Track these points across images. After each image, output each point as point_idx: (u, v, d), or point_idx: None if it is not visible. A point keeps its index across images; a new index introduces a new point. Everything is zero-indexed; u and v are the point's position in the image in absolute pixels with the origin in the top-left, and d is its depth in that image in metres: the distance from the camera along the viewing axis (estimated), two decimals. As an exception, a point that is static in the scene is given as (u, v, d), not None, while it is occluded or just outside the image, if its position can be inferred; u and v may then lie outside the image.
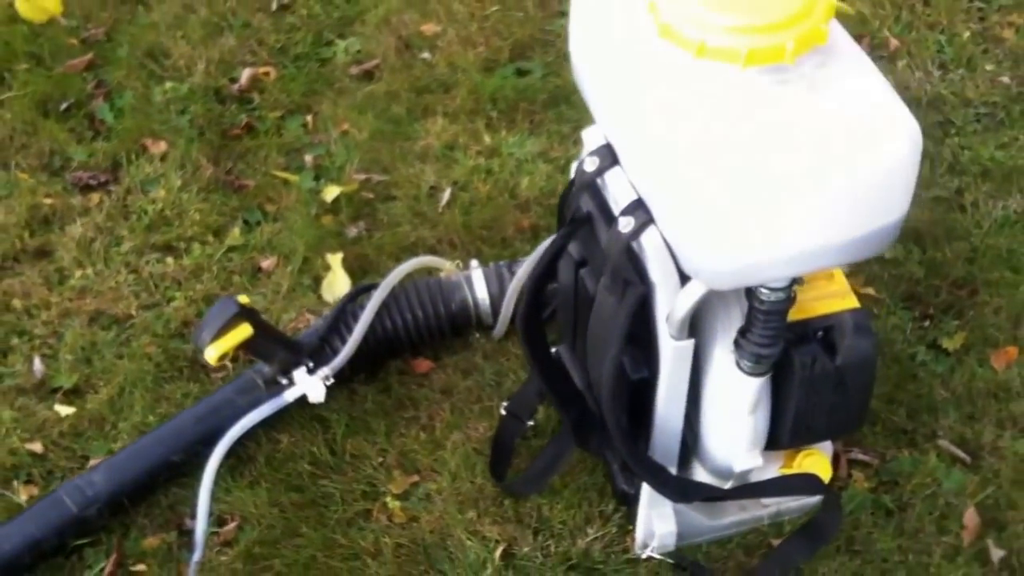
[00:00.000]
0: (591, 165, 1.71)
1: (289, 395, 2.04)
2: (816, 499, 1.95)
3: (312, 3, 2.94)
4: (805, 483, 1.86)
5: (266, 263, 2.36)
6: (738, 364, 1.71)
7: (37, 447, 2.08)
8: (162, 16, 2.90)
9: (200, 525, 1.93)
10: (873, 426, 2.08)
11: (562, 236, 1.79)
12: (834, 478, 1.95)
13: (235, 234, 2.42)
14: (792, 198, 1.47)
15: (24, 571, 1.92)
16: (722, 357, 1.72)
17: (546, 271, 1.82)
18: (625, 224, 1.63)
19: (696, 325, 1.70)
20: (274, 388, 2.06)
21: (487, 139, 2.58)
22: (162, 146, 2.59)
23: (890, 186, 1.52)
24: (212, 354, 1.91)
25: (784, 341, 1.70)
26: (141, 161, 2.56)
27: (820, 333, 1.75)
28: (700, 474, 1.89)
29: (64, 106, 2.69)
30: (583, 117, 1.79)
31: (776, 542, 1.92)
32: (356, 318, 2.11)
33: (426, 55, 2.80)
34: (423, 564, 1.92)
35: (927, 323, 2.25)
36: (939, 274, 2.32)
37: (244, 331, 1.92)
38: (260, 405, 2.02)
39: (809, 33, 1.50)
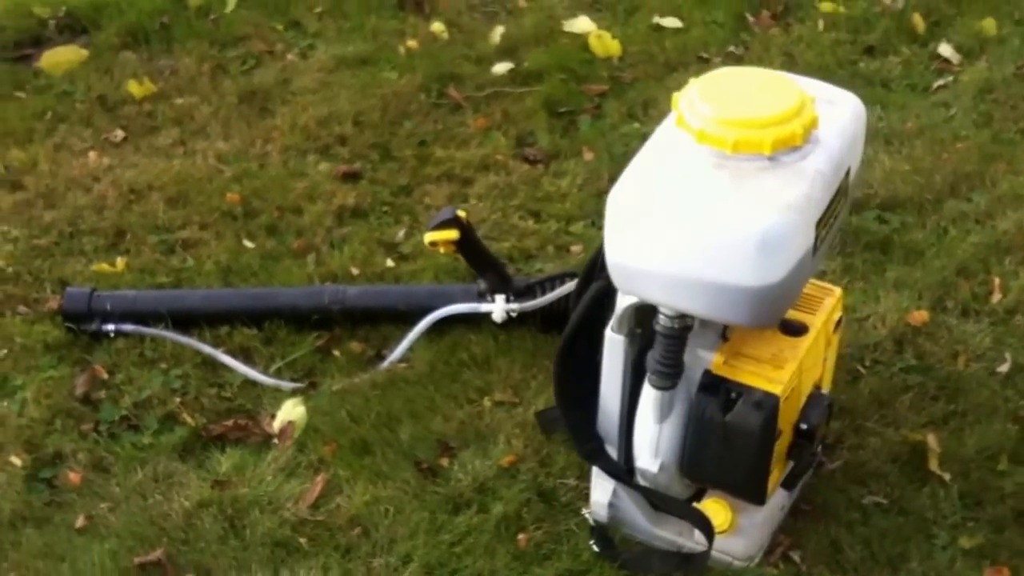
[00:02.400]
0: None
1: (484, 307, 2.77)
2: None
3: None
4: (698, 518, 2.23)
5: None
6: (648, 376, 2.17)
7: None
8: None
9: (403, 346, 2.74)
10: None
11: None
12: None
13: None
14: (658, 233, 1.96)
15: (274, 316, 2.87)
16: (649, 368, 2.19)
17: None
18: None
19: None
20: (481, 300, 2.80)
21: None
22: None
23: (735, 271, 1.93)
24: (426, 238, 2.70)
25: (704, 385, 2.13)
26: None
27: (732, 394, 2.13)
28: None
29: None
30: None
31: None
32: (562, 285, 2.76)
33: None
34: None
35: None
36: None
37: (452, 234, 2.68)
38: (465, 303, 2.78)
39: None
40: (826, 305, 2.28)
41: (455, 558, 2.32)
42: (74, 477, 2.52)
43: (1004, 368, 2.64)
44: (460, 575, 2.29)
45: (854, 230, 3.01)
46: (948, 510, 2.37)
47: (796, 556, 2.31)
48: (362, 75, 3.75)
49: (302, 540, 2.36)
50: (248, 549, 2.35)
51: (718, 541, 2.28)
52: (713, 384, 2.14)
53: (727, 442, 2.13)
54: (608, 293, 2.18)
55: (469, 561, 2.31)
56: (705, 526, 2.22)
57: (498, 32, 3.91)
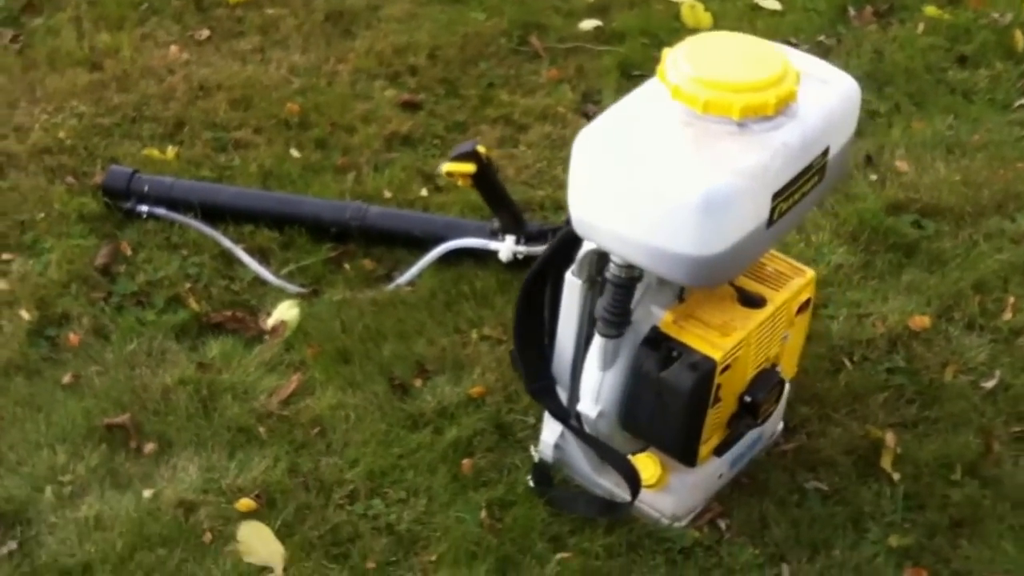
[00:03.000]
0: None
1: (492, 245, 2.84)
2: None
3: None
4: (626, 469, 2.26)
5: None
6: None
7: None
8: None
9: (413, 271, 2.83)
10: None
11: None
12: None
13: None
14: (610, 182, 2.00)
15: (296, 223, 2.98)
16: (602, 315, 2.23)
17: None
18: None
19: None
20: (492, 238, 2.86)
21: None
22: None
23: (676, 230, 1.95)
24: (443, 168, 2.77)
25: (647, 339, 2.17)
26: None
27: (674, 352, 2.16)
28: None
29: None
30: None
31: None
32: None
33: None
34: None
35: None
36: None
37: (468, 167, 2.74)
38: (476, 238, 2.85)
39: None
40: (793, 284, 2.28)
41: (398, 470, 2.40)
42: (74, 338, 2.67)
43: (990, 384, 2.61)
44: (398, 485, 2.37)
45: (884, 229, 2.98)
46: (888, 508, 2.36)
47: (723, 524, 2.33)
48: (450, 11, 3.82)
49: (262, 430, 2.47)
50: (211, 430, 2.47)
51: (649, 496, 2.32)
52: (656, 340, 2.17)
53: (660, 398, 2.16)
54: (577, 236, 2.22)
55: (410, 475, 2.39)
56: (632, 477, 2.25)
57: (595, -11, 3.95)
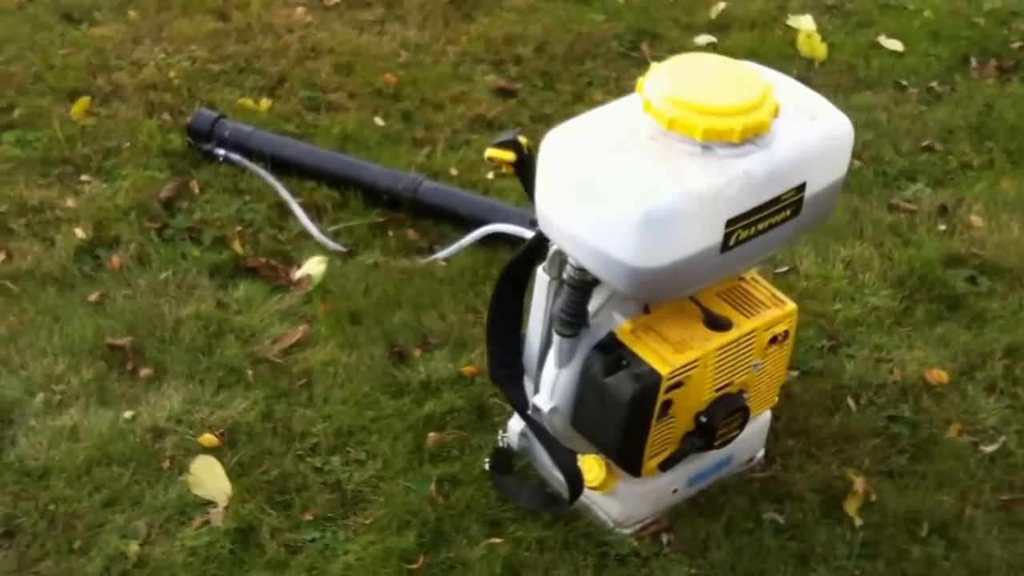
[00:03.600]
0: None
1: (527, 233, 2.88)
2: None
3: None
4: (569, 466, 2.28)
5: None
6: (555, 321, 2.24)
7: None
8: None
9: (452, 248, 2.92)
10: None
11: None
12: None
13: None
14: (566, 184, 2.06)
15: (354, 186, 3.09)
16: (563, 315, 2.26)
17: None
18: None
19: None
20: (531, 227, 2.91)
21: None
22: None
23: (618, 239, 1.98)
24: (486, 153, 2.83)
25: (600, 344, 2.19)
26: None
27: (623, 361, 2.18)
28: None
29: None
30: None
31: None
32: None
33: None
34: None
35: None
36: None
37: (508, 155, 2.78)
38: (513, 225, 2.91)
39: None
40: (767, 315, 2.25)
41: (365, 432, 2.47)
42: (116, 261, 2.85)
43: (991, 448, 2.52)
44: (360, 447, 2.45)
45: (933, 279, 2.92)
46: (842, 552, 2.31)
47: (665, 538, 2.33)
48: (571, 9, 3.88)
49: (251, 373, 2.58)
50: (206, 365, 2.59)
51: (600, 499, 2.34)
52: (609, 345, 2.18)
53: (603, 404, 2.17)
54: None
55: (375, 439, 2.46)
56: (573, 476, 2.27)
57: (719, 7, 3.94)
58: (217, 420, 2.47)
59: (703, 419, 2.24)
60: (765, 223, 2.08)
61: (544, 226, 2.14)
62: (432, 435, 2.48)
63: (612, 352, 2.18)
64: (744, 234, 2.05)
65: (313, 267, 2.84)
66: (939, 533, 2.37)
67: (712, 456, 2.37)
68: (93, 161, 3.15)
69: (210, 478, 2.35)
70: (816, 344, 2.77)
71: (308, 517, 2.32)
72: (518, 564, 2.26)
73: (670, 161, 2.00)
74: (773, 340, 2.29)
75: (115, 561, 2.22)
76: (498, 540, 2.29)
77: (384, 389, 2.56)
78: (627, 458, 2.24)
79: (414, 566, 2.24)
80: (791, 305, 2.30)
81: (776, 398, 2.42)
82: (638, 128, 2.05)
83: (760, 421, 2.46)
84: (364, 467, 2.41)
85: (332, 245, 2.94)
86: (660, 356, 2.15)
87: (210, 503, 2.33)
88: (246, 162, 3.12)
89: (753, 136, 2.03)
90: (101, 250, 2.89)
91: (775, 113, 2.06)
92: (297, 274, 2.84)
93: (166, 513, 2.31)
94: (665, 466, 2.28)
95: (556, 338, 2.23)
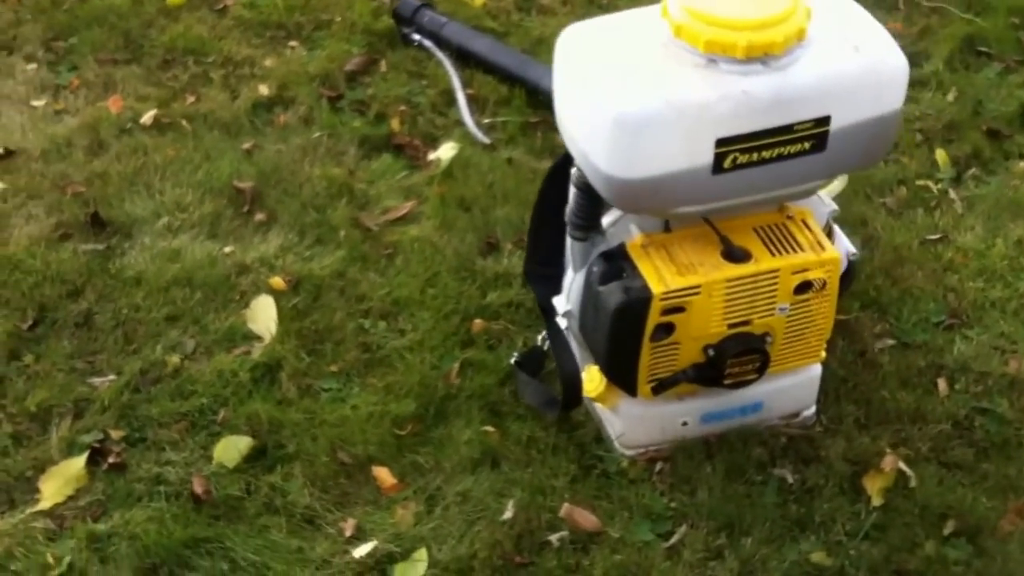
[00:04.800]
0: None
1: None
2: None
3: None
4: (569, 373, 2.28)
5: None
6: (571, 225, 2.24)
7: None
8: None
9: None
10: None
11: None
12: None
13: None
14: (570, 79, 2.07)
15: (522, 85, 3.15)
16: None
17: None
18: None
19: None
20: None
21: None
22: None
23: (596, 142, 1.97)
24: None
25: (606, 252, 2.17)
26: None
27: (623, 273, 2.14)
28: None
29: None
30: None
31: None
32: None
33: None
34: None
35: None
36: None
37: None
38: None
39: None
40: (797, 258, 2.13)
41: (417, 306, 2.55)
42: (283, 118, 3.05)
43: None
44: (408, 318, 2.53)
45: None
46: (843, 528, 2.18)
47: (658, 467, 2.28)
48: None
49: (343, 233, 2.71)
50: (312, 219, 2.75)
51: (607, 414, 2.32)
52: (614, 255, 2.15)
53: (596, 312, 2.15)
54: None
55: (425, 315, 2.54)
56: (570, 384, 2.28)
57: None
58: (295, 268, 2.62)
59: (711, 352, 2.18)
60: (772, 151, 1.99)
61: (558, 122, 2.14)
62: (478, 321, 2.52)
63: (614, 262, 2.15)
64: (743, 159, 1.97)
65: (446, 151, 2.93)
66: (967, 537, 2.17)
67: (734, 397, 2.29)
68: (304, 30, 3.36)
69: (264, 316, 2.52)
70: (932, 318, 2.58)
71: (333, 368, 2.44)
72: (499, 455, 2.28)
73: (669, 68, 1.96)
74: (806, 286, 2.17)
75: (154, 366, 2.43)
76: (491, 429, 2.32)
77: (455, 274, 2.63)
78: (614, 371, 2.21)
79: (402, 432, 2.31)
80: (832, 253, 2.17)
81: (822, 353, 2.31)
82: (652, 34, 2.01)
83: (804, 375, 2.34)
84: (403, 336, 2.50)
85: (478, 135, 3.01)
86: (659, 275, 2.10)
87: (257, 338, 2.49)
88: (435, 49, 3.24)
89: (762, 55, 1.94)
90: (277, 108, 3.10)
91: (798, 36, 1.96)
92: (431, 155, 2.94)
93: (214, 337, 2.49)
94: (657, 390, 2.24)
95: (569, 241, 2.23)
